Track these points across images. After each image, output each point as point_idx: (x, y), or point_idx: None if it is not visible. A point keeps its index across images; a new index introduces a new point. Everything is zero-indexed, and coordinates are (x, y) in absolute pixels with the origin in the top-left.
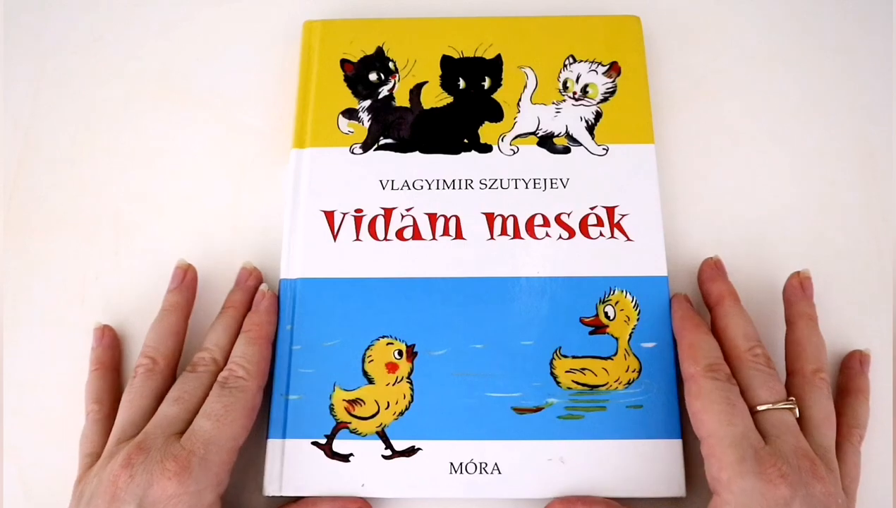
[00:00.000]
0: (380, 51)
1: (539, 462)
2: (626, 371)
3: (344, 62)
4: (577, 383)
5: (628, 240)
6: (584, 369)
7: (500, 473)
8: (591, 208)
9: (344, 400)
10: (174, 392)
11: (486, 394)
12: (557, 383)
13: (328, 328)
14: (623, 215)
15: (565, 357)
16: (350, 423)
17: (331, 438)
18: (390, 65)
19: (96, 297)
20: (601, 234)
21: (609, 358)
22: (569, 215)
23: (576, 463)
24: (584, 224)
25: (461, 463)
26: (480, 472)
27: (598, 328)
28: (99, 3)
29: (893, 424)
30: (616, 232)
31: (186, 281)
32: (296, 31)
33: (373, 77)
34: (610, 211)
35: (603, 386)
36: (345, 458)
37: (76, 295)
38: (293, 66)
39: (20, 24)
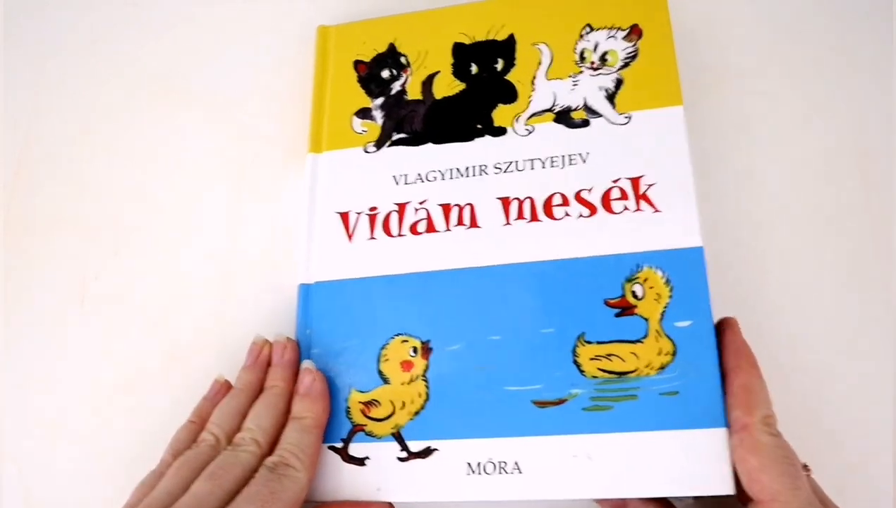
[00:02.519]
0: (392, 47)
1: (563, 460)
2: (659, 354)
3: (357, 63)
4: (604, 371)
5: (656, 211)
6: (610, 355)
7: (520, 473)
8: (614, 181)
9: (360, 402)
10: (210, 467)
11: (503, 388)
12: (581, 372)
13: (345, 330)
14: (650, 185)
15: (589, 343)
16: (366, 426)
17: (347, 442)
18: (402, 60)
19: (96, 297)
20: (625, 208)
21: (638, 341)
22: (589, 191)
23: (605, 459)
24: (606, 199)
25: (479, 463)
26: (500, 472)
27: (625, 309)
28: (99, 3)
29: None
30: (642, 203)
31: (261, 359)
32: (309, 35)
33: (385, 74)
34: (635, 181)
35: (632, 372)
36: (360, 462)
37: (76, 295)
38: (307, 71)
39: (20, 25)
